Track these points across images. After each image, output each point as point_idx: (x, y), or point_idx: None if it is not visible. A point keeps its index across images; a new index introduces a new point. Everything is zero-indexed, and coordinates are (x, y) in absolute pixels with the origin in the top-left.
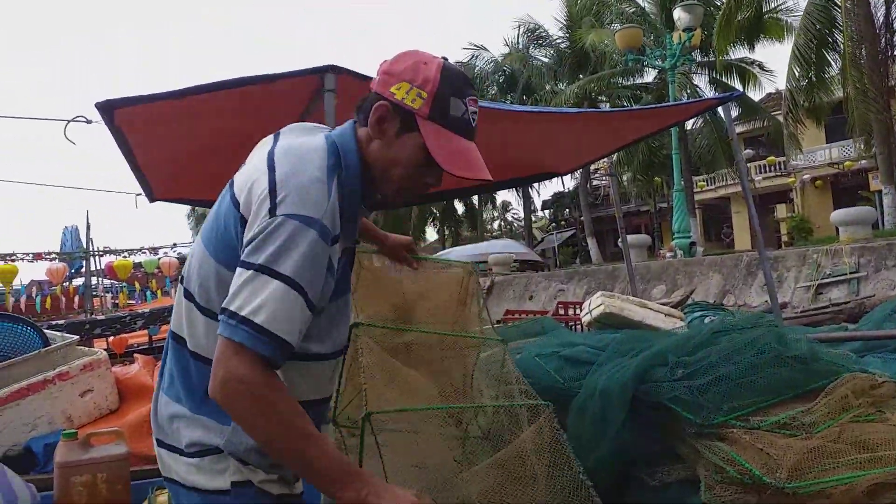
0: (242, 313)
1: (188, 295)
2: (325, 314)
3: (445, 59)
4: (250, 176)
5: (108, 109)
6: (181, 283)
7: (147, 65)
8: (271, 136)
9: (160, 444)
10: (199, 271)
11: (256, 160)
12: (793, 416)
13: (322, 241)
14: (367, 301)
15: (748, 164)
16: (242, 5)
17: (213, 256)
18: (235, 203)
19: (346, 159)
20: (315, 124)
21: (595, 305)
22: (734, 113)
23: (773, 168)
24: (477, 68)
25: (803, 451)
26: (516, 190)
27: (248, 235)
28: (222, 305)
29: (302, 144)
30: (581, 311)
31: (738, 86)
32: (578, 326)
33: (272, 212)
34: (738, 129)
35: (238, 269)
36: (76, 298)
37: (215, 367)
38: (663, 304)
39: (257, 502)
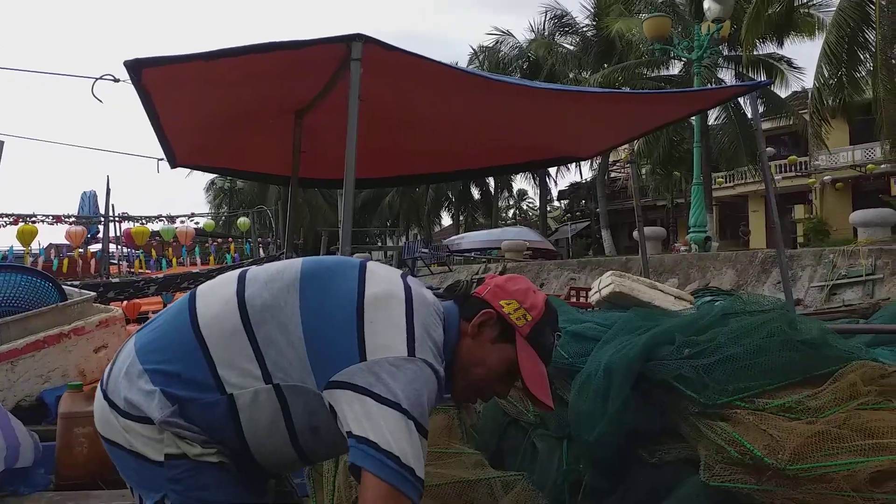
0: (408, 463)
1: (247, 327)
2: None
3: (548, 296)
4: (384, 293)
5: (137, 68)
6: (238, 284)
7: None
8: (402, 282)
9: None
10: (283, 341)
11: (385, 277)
12: (799, 399)
13: (438, 395)
14: None
15: (769, 163)
16: (242, 5)
17: (314, 350)
18: (360, 315)
19: (446, 338)
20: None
21: (604, 284)
22: (759, 110)
23: (793, 168)
24: (501, 53)
25: (807, 434)
26: (533, 178)
27: (376, 356)
28: (372, 439)
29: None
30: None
31: None
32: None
33: (411, 352)
34: (762, 127)
35: (375, 402)
36: (93, 262)
37: None
38: None
39: (192, 475)
